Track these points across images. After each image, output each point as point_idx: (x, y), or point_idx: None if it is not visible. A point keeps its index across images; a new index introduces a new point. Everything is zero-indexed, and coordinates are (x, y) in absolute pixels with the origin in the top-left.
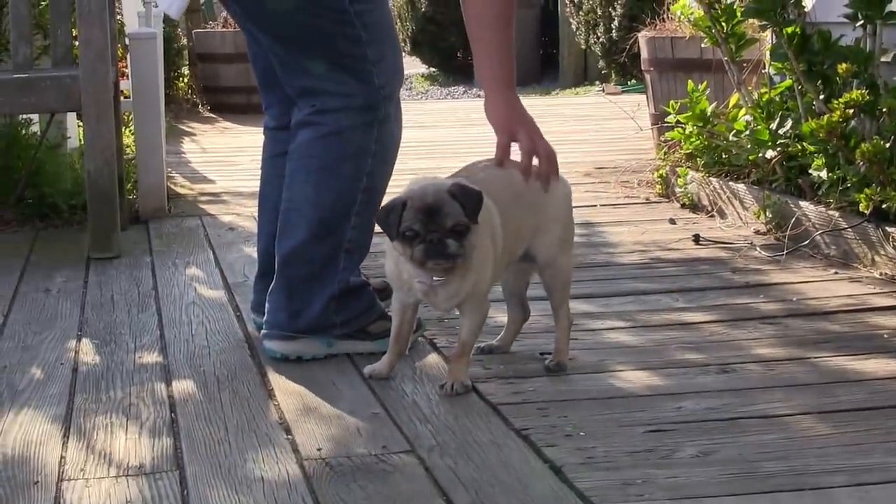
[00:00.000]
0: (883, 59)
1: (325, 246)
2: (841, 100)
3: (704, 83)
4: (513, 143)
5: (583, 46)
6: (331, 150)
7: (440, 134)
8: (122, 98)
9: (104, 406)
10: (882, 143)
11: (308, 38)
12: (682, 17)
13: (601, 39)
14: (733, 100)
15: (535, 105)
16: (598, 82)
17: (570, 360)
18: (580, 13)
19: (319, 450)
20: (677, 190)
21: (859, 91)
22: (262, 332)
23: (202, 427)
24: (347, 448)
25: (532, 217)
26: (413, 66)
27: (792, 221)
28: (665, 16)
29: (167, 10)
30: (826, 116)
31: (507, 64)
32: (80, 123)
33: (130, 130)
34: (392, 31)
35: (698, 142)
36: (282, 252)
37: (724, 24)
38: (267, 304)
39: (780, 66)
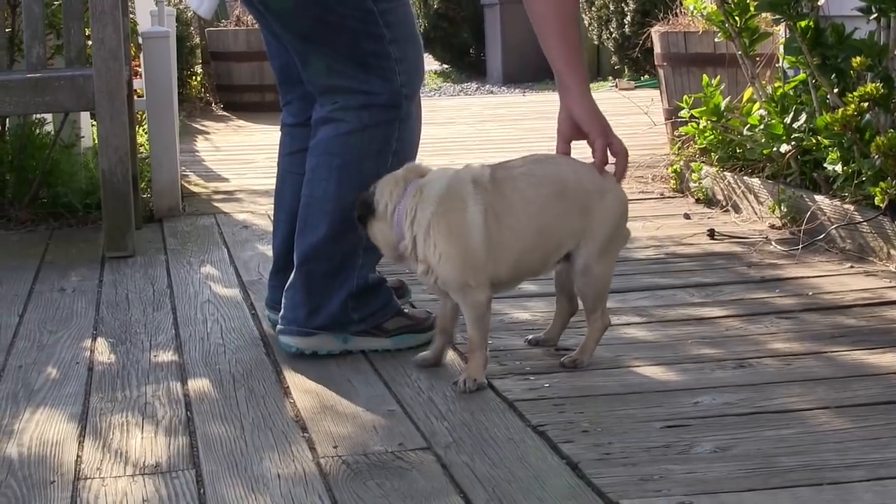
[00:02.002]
0: None
1: (344, 243)
2: (855, 93)
3: (718, 78)
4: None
5: (595, 42)
6: (353, 148)
7: (453, 130)
8: (135, 97)
9: (120, 405)
10: None
11: (332, 36)
12: (695, 11)
13: (614, 35)
14: (747, 94)
15: (549, 101)
16: (611, 78)
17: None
18: (593, 9)
19: (336, 447)
20: (692, 185)
21: (874, 84)
22: (279, 327)
23: (218, 425)
24: (364, 445)
25: (577, 220)
26: (425, 63)
27: (807, 215)
28: (678, 10)
29: (197, 9)
30: (840, 110)
31: (583, 61)
32: (94, 123)
33: (144, 129)
34: (414, 30)
35: (712, 136)
36: (302, 248)
37: (737, 18)
38: (284, 300)
39: (793, 59)
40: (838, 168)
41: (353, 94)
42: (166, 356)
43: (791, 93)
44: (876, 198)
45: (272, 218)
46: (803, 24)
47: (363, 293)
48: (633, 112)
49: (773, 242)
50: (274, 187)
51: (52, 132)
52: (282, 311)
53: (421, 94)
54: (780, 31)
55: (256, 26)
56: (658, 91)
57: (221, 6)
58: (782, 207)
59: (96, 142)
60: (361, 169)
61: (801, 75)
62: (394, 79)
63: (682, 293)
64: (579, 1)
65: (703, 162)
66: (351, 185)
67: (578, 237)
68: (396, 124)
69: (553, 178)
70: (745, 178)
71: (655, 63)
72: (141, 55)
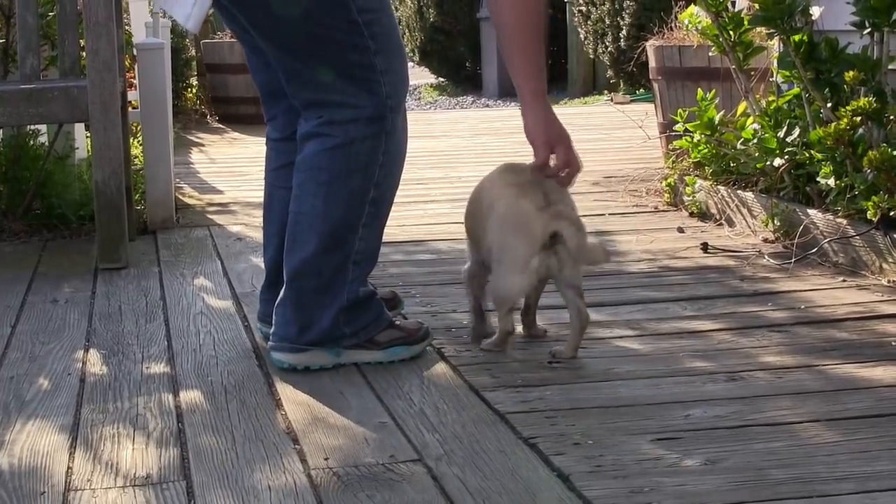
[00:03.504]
0: (890, 67)
1: (334, 258)
2: (848, 107)
3: (713, 92)
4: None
5: (591, 56)
6: (340, 163)
7: (449, 143)
8: (130, 108)
9: (111, 416)
10: (890, 150)
11: (317, 48)
12: (690, 25)
13: (609, 49)
14: (741, 108)
15: None
16: (606, 91)
17: (578, 369)
18: (588, 23)
19: (327, 459)
20: (686, 198)
21: (867, 99)
22: (270, 343)
23: (209, 437)
24: (355, 458)
25: (483, 227)
26: (422, 77)
27: (800, 229)
28: (673, 25)
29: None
30: (833, 124)
31: (541, 74)
32: (88, 134)
33: (138, 141)
34: (399, 41)
35: (706, 150)
36: (291, 265)
37: (731, 32)
38: (275, 317)
39: (787, 74)
40: (831, 182)
41: (338, 107)
42: (158, 368)
43: (785, 107)
44: (868, 212)
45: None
46: (797, 38)
47: (354, 307)
48: (628, 126)
49: (766, 256)
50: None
51: (47, 143)
52: (273, 327)
53: (417, 108)
54: (774, 45)
55: None
56: (653, 105)
57: (217, 18)
58: (775, 221)
59: (90, 153)
60: (349, 184)
61: (795, 89)
62: (379, 91)
63: (674, 306)
64: (543, 13)
65: (697, 176)
66: (338, 201)
67: (485, 242)
68: (383, 137)
69: (478, 186)
70: (738, 191)
71: (650, 77)
72: (136, 66)
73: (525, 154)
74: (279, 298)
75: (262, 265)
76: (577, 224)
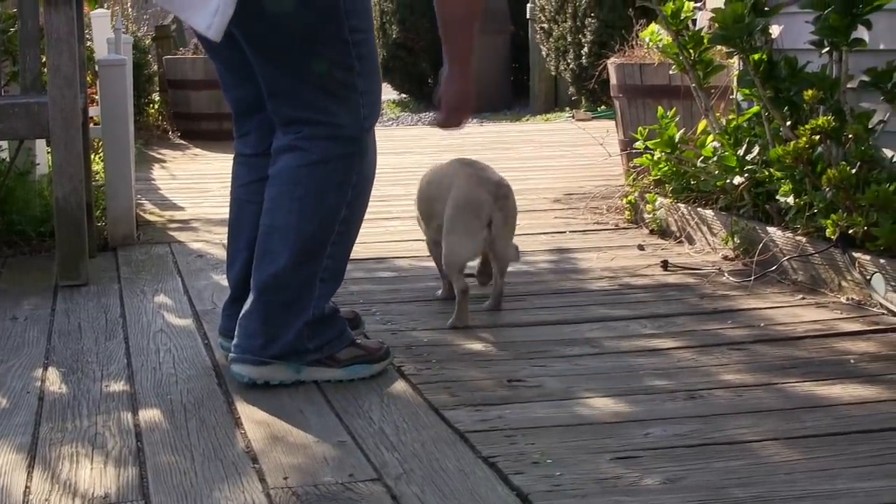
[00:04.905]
0: (849, 86)
1: (303, 273)
2: (807, 126)
3: (673, 109)
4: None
5: (553, 73)
6: (316, 179)
7: (412, 160)
8: (91, 125)
9: (70, 435)
10: (848, 168)
11: (307, 64)
12: (651, 43)
13: (571, 66)
14: (701, 126)
15: (506, 131)
16: (568, 108)
17: (538, 388)
18: (550, 40)
19: (286, 478)
20: (646, 216)
21: (825, 117)
22: (232, 355)
23: (168, 456)
24: (314, 476)
25: (440, 203)
26: (384, 92)
27: (760, 247)
28: (634, 42)
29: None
30: (793, 143)
31: (474, 54)
32: (49, 150)
33: (100, 157)
34: (378, 63)
35: (667, 168)
36: (261, 278)
37: (691, 50)
38: (238, 328)
39: (747, 92)
40: (790, 200)
41: (318, 125)
42: (118, 386)
43: (744, 125)
44: (827, 230)
45: (227, 247)
46: (756, 57)
47: (318, 322)
48: (590, 143)
49: (726, 274)
50: (229, 217)
51: (7, 159)
52: (235, 339)
53: (379, 124)
54: (734, 63)
55: None
56: (614, 122)
57: (180, 35)
58: (735, 239)
59: (51, 169)
60: (324, 201)
61: (755, 108)
62: (358, 111)
63: (634, 324)
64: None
65: (657, 193)
66: (312, 217)
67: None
68: (357, 157)
69: (435, 173)
70: (698, 209)
71: (611, 94)
72: (97, 82)
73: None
74: (244, 310)
75: (223, 282)
76: (509, 215)
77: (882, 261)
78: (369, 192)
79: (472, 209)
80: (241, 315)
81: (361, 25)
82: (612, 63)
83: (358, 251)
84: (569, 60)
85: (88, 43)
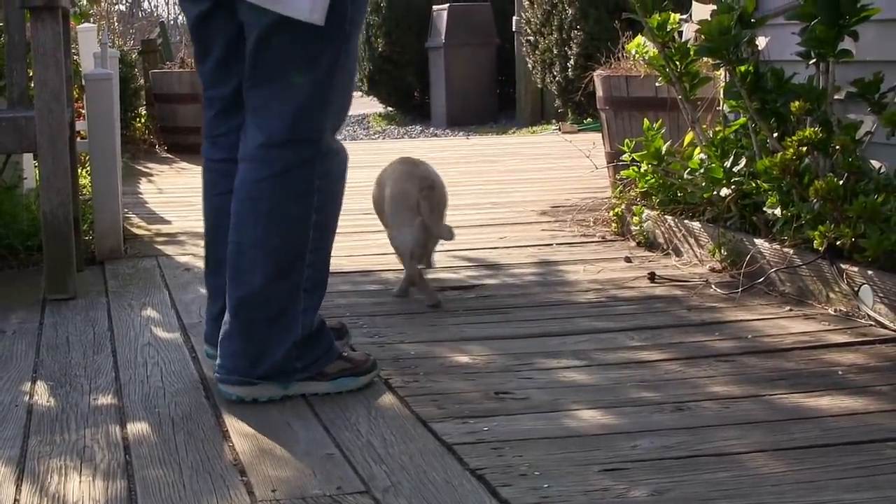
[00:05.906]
0: (836, 97)
1: (282, 288)
2: (794, 137)
3: (659, 122)
4: None
5: (539, 85)
6: (276, 191)
7: None
8: (78, 139)
9: (58, 448)
10: (835, 180)
11: (305, 67)
12: (637, 56)
13: (557, 78)
14: (688, 138)
15: (493, 144)
16: (554, 121)
17: (525, 400)
18: (536, 52)
19: (274, 491)
20: (633, 228)
21: (812, 129)
22: (217, 375)
23: (156, 469)
24: (302, 489)
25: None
26: (370, 106)
27: (747, 259)
28: (620, 55)
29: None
30: (780, 154)
31: None
32: (37, 164)
33: (87, 171)
34: (353, 74)
35: (653, 180)
36: (236, 296)
37: (678, 63)
38: (220, 349)
39: (733, 104)
40: (778, 212)
41: (279, 130)
42: (106, 399)
43: (731, 137)
44: (815, 241)
45: (206, 254)
46: (743, 68)
47: (308, 340)
48: (576, 155)
49: (713, 286)
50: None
51: None
52: (219, 359)
53: (366, 137)
54: (721, 75)
55: None
56: (601, 134)
57: (166, 48)
58: (722, 251)
59: (39, 183)
60: (287, 212)
61: (741, 119)
62: (324, 119)
63: (621, 336)
64: None
65: (644, 205)
66: (279, 231)
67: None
68: (316, 161)
69: (380, 174)
70: (685, 221)
71: (598, 107)
72: (84, 97)
73: (474, 184)
74: (223, 331)
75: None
76: (434, 202)
77: (870, 272)
78: (340, 195)
79: (402, 200)
80: (220, 336)
81: (354, 36)
82: (598, 75)
83: (344, 264)
84: (555, 73)
85: (75, 57)
